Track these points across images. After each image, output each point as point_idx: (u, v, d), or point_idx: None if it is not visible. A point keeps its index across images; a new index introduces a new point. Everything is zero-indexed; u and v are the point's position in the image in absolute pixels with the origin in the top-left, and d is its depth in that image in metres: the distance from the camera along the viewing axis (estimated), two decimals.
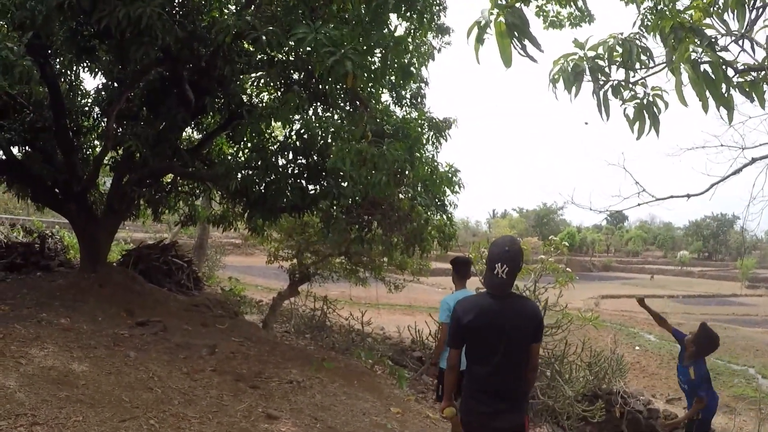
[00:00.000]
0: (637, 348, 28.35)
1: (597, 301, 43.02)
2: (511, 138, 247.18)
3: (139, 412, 5.24)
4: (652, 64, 4.70)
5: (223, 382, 6.57)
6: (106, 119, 10.71)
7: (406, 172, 7.46)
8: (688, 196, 10.11)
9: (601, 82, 4.60)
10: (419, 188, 8.66)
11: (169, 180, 13.52)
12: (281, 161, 9.64)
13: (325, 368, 7.94)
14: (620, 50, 4.44)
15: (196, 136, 13.04)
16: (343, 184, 8.74)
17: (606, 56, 4.50)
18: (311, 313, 15.36)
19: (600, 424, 10.95)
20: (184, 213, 14.37)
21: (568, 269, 14.64)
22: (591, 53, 4.53)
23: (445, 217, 9.45)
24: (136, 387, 5.92)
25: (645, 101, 4.56)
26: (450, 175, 8.60)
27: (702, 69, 3.89)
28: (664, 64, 4.51)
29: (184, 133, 13.23)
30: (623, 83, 4.67)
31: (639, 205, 10.48)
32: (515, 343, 3.97)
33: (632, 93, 4.66)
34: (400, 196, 8.12)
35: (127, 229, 36.31)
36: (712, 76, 3.89)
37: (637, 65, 4.62)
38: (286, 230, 13.89)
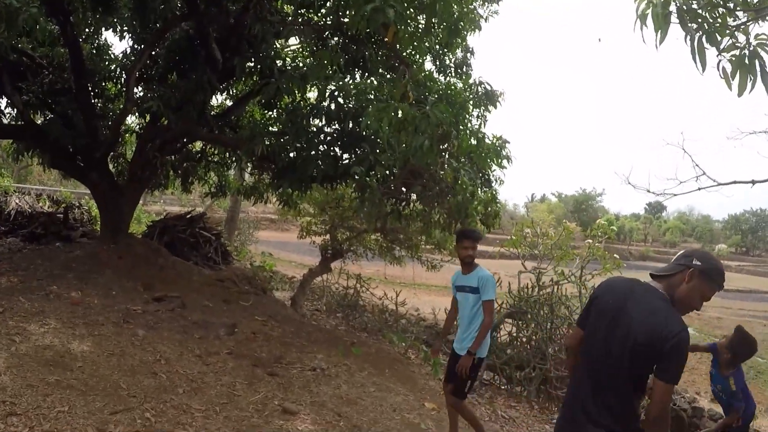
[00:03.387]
0: None
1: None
2: (554, 120, 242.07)
3: (135, 402, 4.54)
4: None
5: (239, 367, 5.84)
6: (126, 80, 10.06)
7: (452, 139, 6.58)
8: (753, 182, 9.10)
9: (695, 26, 3.70)
10: (463, 161, 7.79)
11: (198, 149, 12.95)
12: (314, 125, 8.86)
13: (353, 354, 7.18)
14: None
15: (229, 104, 12.36)
16: (379, 152, 7.94)
17: None
18: (344, 292, 14.69)
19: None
20: (215, 184, 13.80)
21: (615, 255, 13.71)
22: None
23: (490, 193, 8.57)
24: (139, 371, 5.24)
25: (746, 51, 3.65)
26: (498, 148, 7.66)
27: None
28: None
29: (215, 100, 12.61)
30: (719, 28, 3.74)
31: (699, 189, 9.55)
32: (617, 348, 2.88)
33: (731, 41, 3.74)
34: (444, 165, 7.23)
35: (162, 202, 36.22)
36: None
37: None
38: (319, 204, 13.17)
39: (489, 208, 7.78)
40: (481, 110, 7.70)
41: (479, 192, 7.85)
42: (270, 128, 10.05)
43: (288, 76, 7.95)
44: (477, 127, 7.59)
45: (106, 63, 11.38)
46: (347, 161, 8.30)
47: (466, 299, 5.41)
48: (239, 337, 6.94)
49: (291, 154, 8.41)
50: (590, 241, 12.30)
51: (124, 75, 11.09)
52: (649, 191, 9.50)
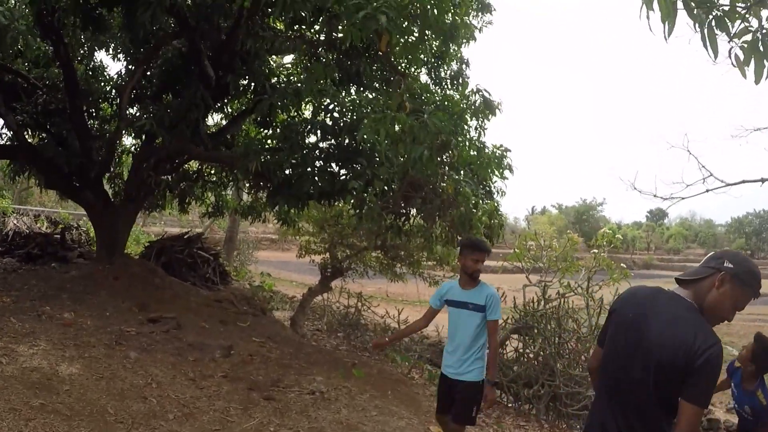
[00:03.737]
0: None
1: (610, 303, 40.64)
2: (551, 129, 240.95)
3: (122, 429, 4.31)
4: None
5: (234, 391, 5.61)
6: (119, 99, 9.93)
7: (452, 148, 6.35)
8: (762, 180, 8.88)
9: (702, 12, 3.53)
10: (462, 173, 7.57)
11: (194, 169, 12.82)
12: (309, 141, 8.66)
13: (354, 376, 6.91)
14: None
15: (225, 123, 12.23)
16: (377, 166, 7.74)
17: None
18: (345, 311, 14.42)
19: None
20: (212, 204, 13.66)
21: (622, 265, 13.42)
22: None
23: (492, 204, 8.31)
24: (128, 395, 5.01)
25: (759, 35, 3.47)
26: (499, 157, 7.40)
27: None
28: None
29: (211, 120, 12.49)
30: (729, 12, 3.56)
31: (708, 191, 9.28)
32: (637, 366, 2.58)
33: (743, 25, 3.55)
34: (444, 177, 6.97)
35: (163, 223, 36.04)
36: None
37: None
38: (318, 222, 12.96)
39: (493, 220, 7.53)
40: (480, 120, 7.44)
41: (482, 203, 7.61)
42: (265, 145, 9.88)
43: (281, 92, 7.80)
44: (476, 136, 7.35)
45: (102, 84, 11.30)
46: (344, 177, 8.10)
47: (468, 318, 4.90)
48: (235, 360, 6.71)
49: (286, 171, 8.22)
50: (596, 251, 12.04)
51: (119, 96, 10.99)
52: (656, 196, 9.23)
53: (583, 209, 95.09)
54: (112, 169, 12.33)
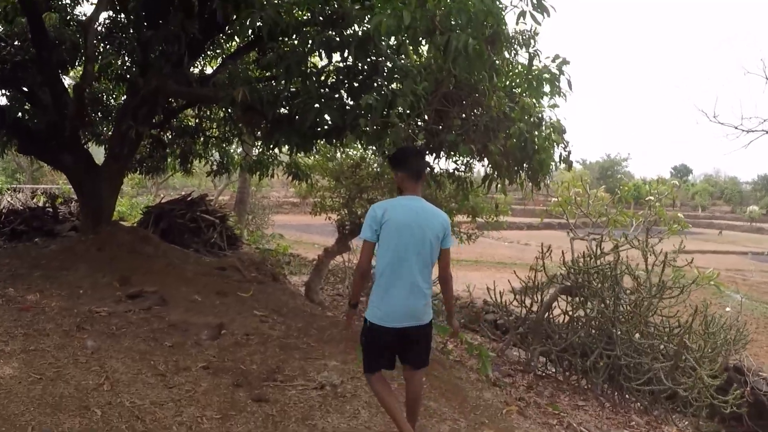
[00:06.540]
0: (727, 309, 23.97)
1: (673, 257, 38.65)
2: (581, 77, 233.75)
3: None
4: None
5: (214, 389, 4.17)
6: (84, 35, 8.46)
7: (504, 42, 4.69)
8: None
9: None
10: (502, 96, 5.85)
11: (192, 124, 11.47)
12: (311, 63, 7.06)
13: None
14: None
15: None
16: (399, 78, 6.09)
17: None
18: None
19: (710, 406, 7.89)
20: (216, 162, 12.31)
21: (680, 214, 11.88)
22: None
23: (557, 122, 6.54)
24: (66, 406, 3.63)
25: None
26: (556, 72, 5.61)
27: None
28: None
29: (209, 69, 10.98)
30: None
31: None
32: None
33: None
34: (492, 92, 5.22)
35: (183, 192, 34.99)
36: None
37: None
38: (334, 173, 11.51)
39: (561, 143, 5.81)
40: (530, 25, 5.58)
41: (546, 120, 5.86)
42: (255, 72, 8.31)
43: (273, 5, 6.14)
44: (523, 43, 5.59)
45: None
46: (357, 106, 6.41)
47: None
48: (225, 342, 5.30)
49: (284, 103, 6.60)
50: (651, 197, 10.56)
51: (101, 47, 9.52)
52: (737, 128, 8.20)
53: (608, 164, 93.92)
54: (100, 128, 11.02)
